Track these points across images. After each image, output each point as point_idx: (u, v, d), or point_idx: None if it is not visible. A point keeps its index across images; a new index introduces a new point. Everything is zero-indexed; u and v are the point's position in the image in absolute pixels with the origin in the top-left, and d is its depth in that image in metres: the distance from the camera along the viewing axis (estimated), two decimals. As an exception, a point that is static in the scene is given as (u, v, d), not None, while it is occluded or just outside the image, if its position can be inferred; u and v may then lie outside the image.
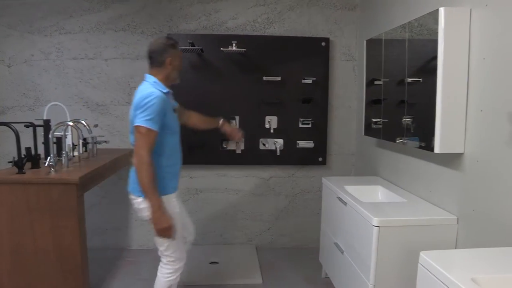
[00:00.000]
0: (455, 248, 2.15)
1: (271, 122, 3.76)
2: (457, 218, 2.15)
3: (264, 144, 3.79)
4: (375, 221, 2.12)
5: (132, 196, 2.32)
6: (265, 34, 3.74)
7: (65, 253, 2.51)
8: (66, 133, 2.89)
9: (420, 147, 2.32)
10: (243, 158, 3.79)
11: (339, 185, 2.89)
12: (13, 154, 2.66)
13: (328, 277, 3.04)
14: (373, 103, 3.12)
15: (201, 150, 3.74)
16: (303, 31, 3.77)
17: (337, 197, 2.77)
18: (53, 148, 2.71)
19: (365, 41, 3.23)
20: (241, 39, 3.62)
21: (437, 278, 1.43)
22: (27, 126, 2.86)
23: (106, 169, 3.07)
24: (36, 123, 2.90)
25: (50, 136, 2.73)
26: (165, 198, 2.24)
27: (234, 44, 3.54)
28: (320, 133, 3.83)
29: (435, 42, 2.10)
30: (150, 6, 3.68)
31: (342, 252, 2.63)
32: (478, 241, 2.00)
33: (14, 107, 3.70)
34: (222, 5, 3.72)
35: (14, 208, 2.45)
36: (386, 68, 2.84)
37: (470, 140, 2.06)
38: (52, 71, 3.69)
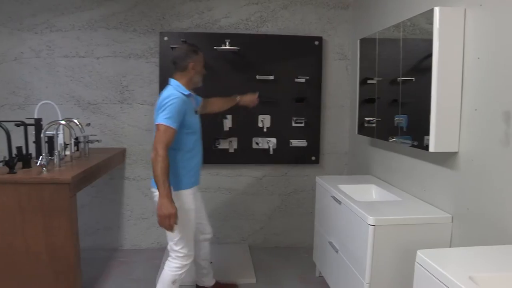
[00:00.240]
0: (450, 247, 2.16)
1: (264, 121, 3.76)
2: (452, 217, 2.17)
3: (257, 143, 3.78)
4: (371, 220, 2.12)
5: (152, 189, 2.44)
6: (258, 32, 3.73)
7: (57, 253, 2.48)
8: (58, 132, 2.85)
9: (415, 146, 2.33)
10: (236, 157, 3.78)
11: (333, 184, 2.89)
12: (4, 154, 2.62)
13: (322, 276, 3.05)
14: (366, 102, 3.13)
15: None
16: (296, 29, 3.76)
17: (331, 196, 2.77)
18: (45, 147, 2.67)
19: (358, 40, 3.24)
20: (234, 38, 3.61)
21: (435, 276, 1.43)
22: (18, 125, 2.82)
23: (99, 168, 3.04)
24: (27, 122, 2.86)
25: (42, 135, 2.69)
26: (180, 193, 2.40)
27: (227, 43, 3.53)
28: (313, 132, 3.84)
29: (429, 42, 2.11)
30: (143, 4, 3.65)
31: (337, 251, 2.63)
32: (472, 239, 2.01)
33: (3, 106, 3.64)
34: (215, 3, 3.70)
35: (5, 208, 2.41)
36: (380, 67, 2.85)
37: (465, 139, 2.08)
38: (43, 69, 3.64)
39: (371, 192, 2.91)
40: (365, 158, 3.46)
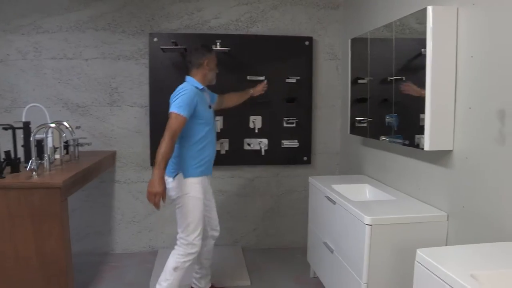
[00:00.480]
0: (446, 245, 2.17)
1: (256, 122, 3.74)
2: (447, 215, 2.17)
3: (248, 144, 3.76)
4: (367, 219, 2.11)
5: (165, 177, 2.48)
6: (249, 33, 3.72)
7: (48, 259, 2.43)
8: (48, 136, 2.80)
9: (409, 144, 2.33)
10: (228, 158, 3.76)
11: (327, 184, 2.88)
12: (-8, 158, 2.56)
13: (317, 277, 3.04)
14: (358, 101, 3.14)
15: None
16: (286, 30, 3.76)
17: (325, 196, 2.76)
18: (34, 151, 2.61)
19: (350, 40, 3.24)
20: (225, 38, 3.58)
21: (435, 275, 1.43)
22: (5, 129, 2.74)
23: (90, 172, 2.99)
24: (15, 125, 2.79)
25: (31, 138, 2.64)
26: (187, 180, 2.55)
27: (218, 43, 3.51)
28: (304, 132, 3.83)
29: (423, 41, 2.11)
30: (131, 5, 3.60)
31: (332, 251, 2.62)
32: (468, 237, 2.02)
33: (-11, 109, 3.57)
34: (204, 4, 3.67)
35: (-7, 214, 2.35)
36: (372, 66, 2.85)
37: (459, 137, 2.09)
38: (30, 72, 3.56)
39: (365, 191, 2.91)
40: (358, 157, 3.47)
